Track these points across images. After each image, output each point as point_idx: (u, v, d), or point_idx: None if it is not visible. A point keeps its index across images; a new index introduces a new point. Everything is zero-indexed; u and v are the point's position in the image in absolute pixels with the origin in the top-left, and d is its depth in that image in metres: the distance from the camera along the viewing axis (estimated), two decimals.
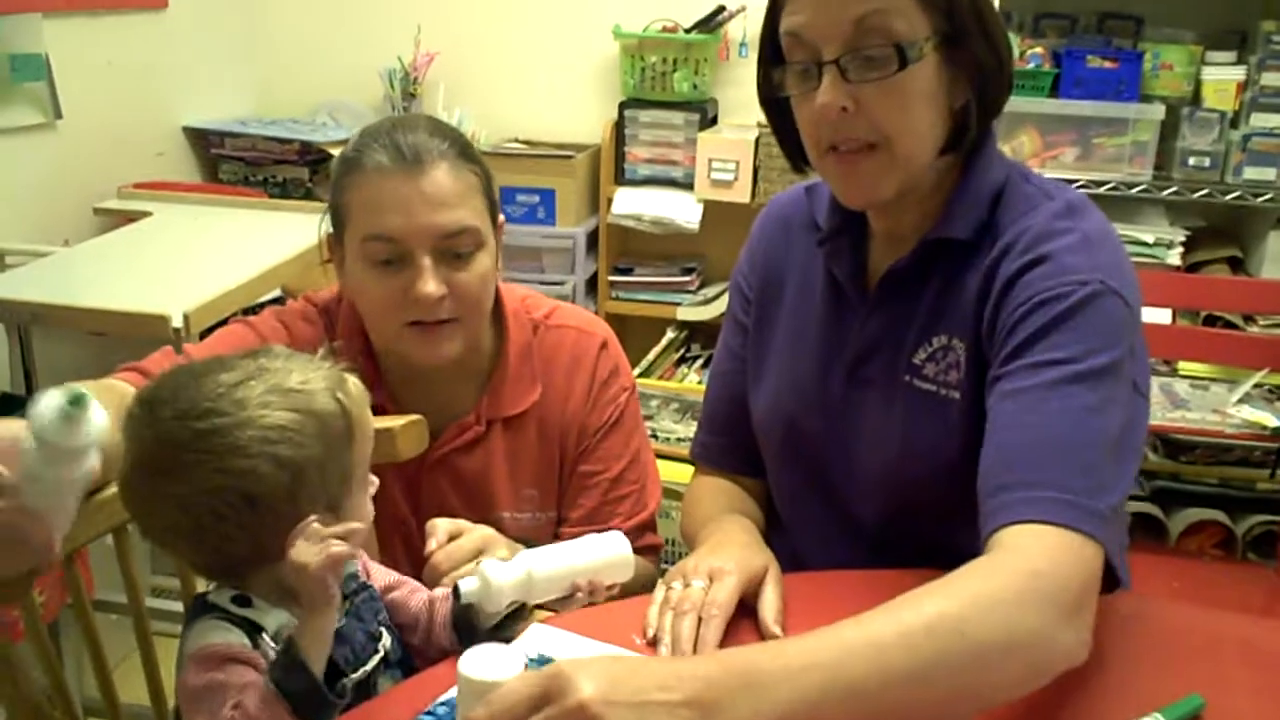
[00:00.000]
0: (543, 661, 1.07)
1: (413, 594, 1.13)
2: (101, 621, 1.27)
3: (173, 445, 0.96)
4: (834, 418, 1.29)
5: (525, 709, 0.79)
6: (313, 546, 0.94)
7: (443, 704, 1.02)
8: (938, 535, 1.21)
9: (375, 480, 1.08)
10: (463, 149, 1.32)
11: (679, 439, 2.88)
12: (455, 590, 1.07)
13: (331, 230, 1.36)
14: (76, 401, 0.90)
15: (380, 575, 1.15)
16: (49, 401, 0.91)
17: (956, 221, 1.20)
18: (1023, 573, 0.95)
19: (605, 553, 1.15)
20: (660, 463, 2.80)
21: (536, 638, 1.10)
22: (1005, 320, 1.13)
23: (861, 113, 1.13)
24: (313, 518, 0.96)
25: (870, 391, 1.27)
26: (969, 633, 0.90)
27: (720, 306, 3.06)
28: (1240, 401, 2.34)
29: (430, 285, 1.27)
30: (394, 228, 1.26)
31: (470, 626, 1.09)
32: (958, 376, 1.20)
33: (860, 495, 1.29)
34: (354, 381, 1.05)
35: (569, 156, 3.11)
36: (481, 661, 0.86)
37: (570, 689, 0.79)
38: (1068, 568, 0.96)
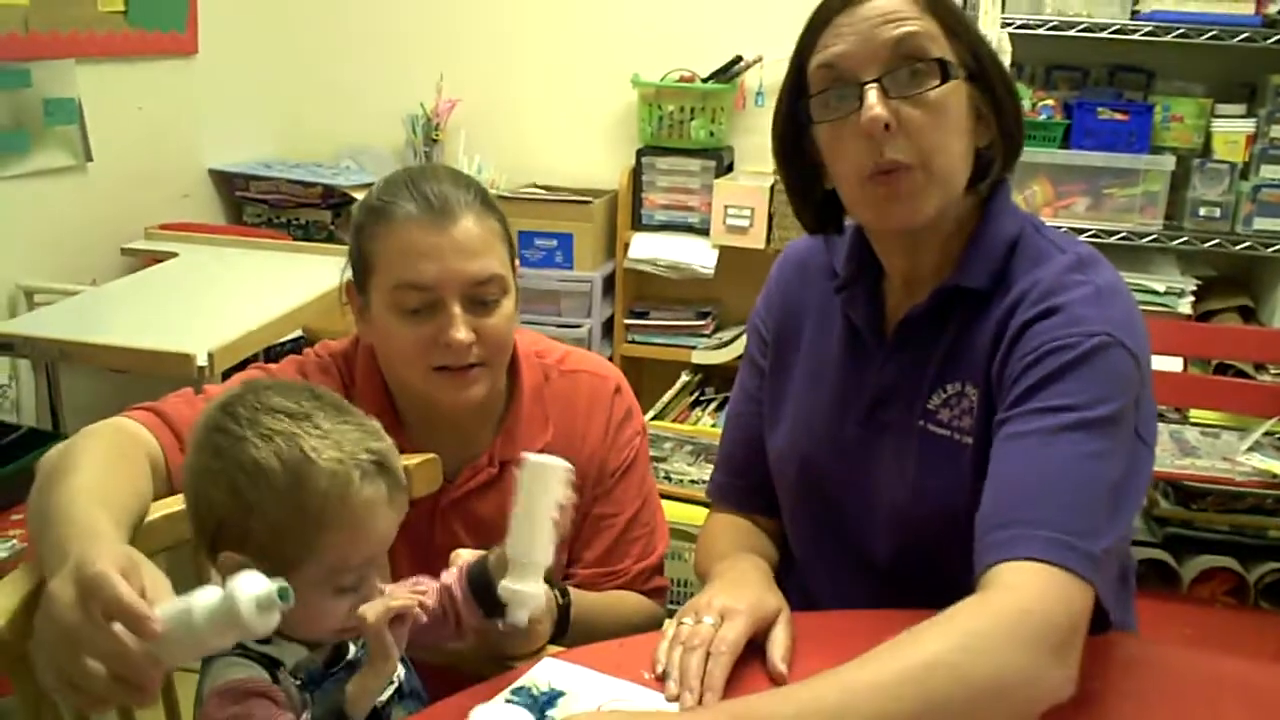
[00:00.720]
0: (553, 694, 1.10)
1: (430, 591, 1.16)
2: None
3: (200, 423, 1.07)
4: (849, 460, 1.32)
5: None
6: (376, 603, 1.00)
7: None
8: (948, 575, 1.22)
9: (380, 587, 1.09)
10: (484, 198, 1.36)
11: (692, 481, 2.90)
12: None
13: (352, 278, 1.38)
14: (284, 595, 0.89)
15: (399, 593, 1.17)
16: (255, 586, 0.88)
17: (971, 270, 1.23)
18: (1013, 611, 0.98)
19: (552, 477, 1.13)
20: (673, 505, 2.85)
21: (547, 671, 1.12)
22: (1014, 367, 1.15)
23: (902, 131, 1.15)
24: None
25: (886, 435, 1.29)
26: (965, 675, 0.93)
27: (735, 350, 3.09)
28: (1250, 450, 2.35)
29: (462, 332, 1.29)
30: (427, 276, 1.29)
31: (488, 590, 1.13)
32: (970, 422, 1.22)
33: (873, 535, 1.31)
34: (377, 485, 1.05)
35: (587, 202, 3.16)
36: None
37: None
38: (1057, 605, 0.99)
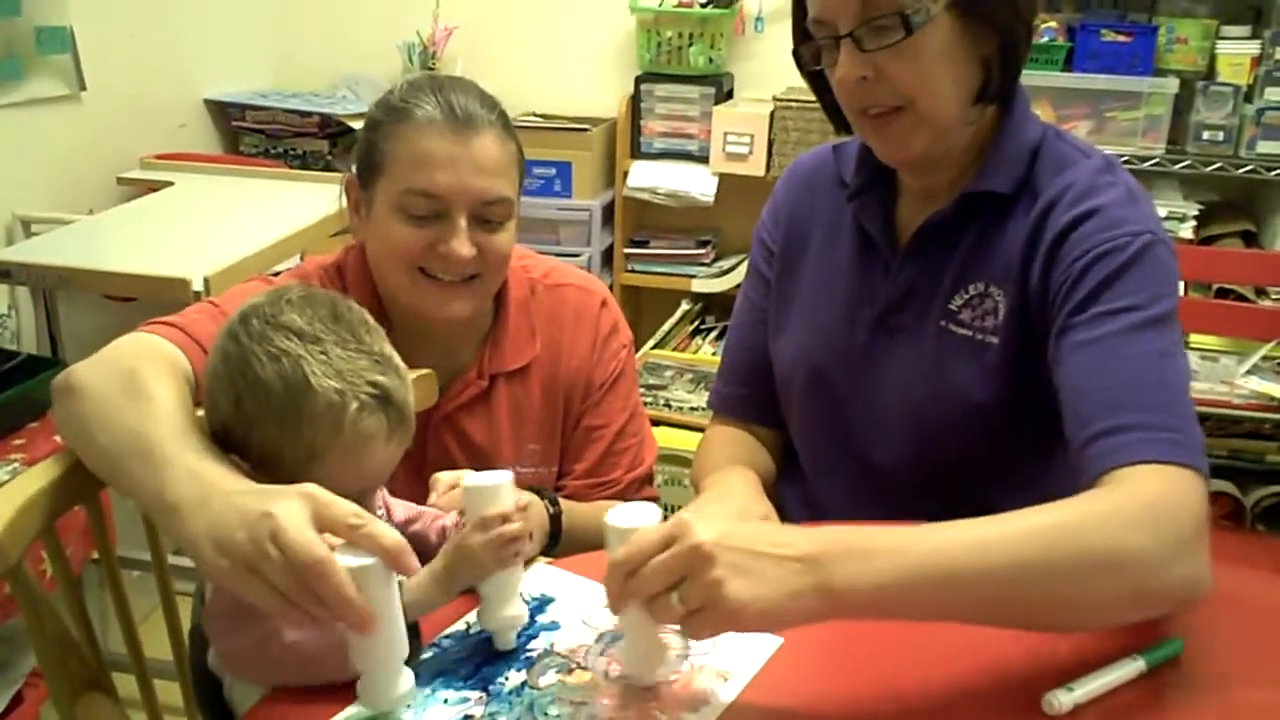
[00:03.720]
0: (544, 600, 1.12)
1: (433, 523, 1.18)
2: (124, 579, 1.30)
3: (223, 327, 1.09)
4: (859, 366, 1.33)
5: (654, 549, 0.88)
6: (484, 533, 1.02)
7: (446, 637, 1.07)
8: (958, 481, 1.25)
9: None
10: (506, 122, 1.35)
11: (692, 408, 2.92)
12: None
13: (356, 173, 1.36)
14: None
15: (400, 510, 1.19)
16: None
17: (996, 175, 1.24)
18: (1139, 501, 0.98)
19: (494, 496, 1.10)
20: (673, 432, 2.88)
21: (538, 577, 1.14)
22: (1064, 274, 1.17)
23: (881, 79, 1.18)
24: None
25: (899, 338, 1.31)
26: (1077, 542, 0.93)
27: (735, 279, 3.09)
28: (1249, 373, 2.35)
29: (465, 247, 1.29)
30: (440, 186, 1.28)
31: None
32: (995, 323, 1.24)
33: (882, 442, 1.33)
34: (378, 418, 1.05)
35: (585, 130, 3.14)
36: (625, 514, 0.96)
37: (689, 534, 0.88)
38: (1185, 499, 0.99)
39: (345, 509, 0.90)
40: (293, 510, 0.88)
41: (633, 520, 0.94)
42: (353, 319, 1.09)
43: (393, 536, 0.89)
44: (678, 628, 0.90)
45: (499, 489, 1.05)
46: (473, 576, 1.05)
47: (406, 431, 1.09)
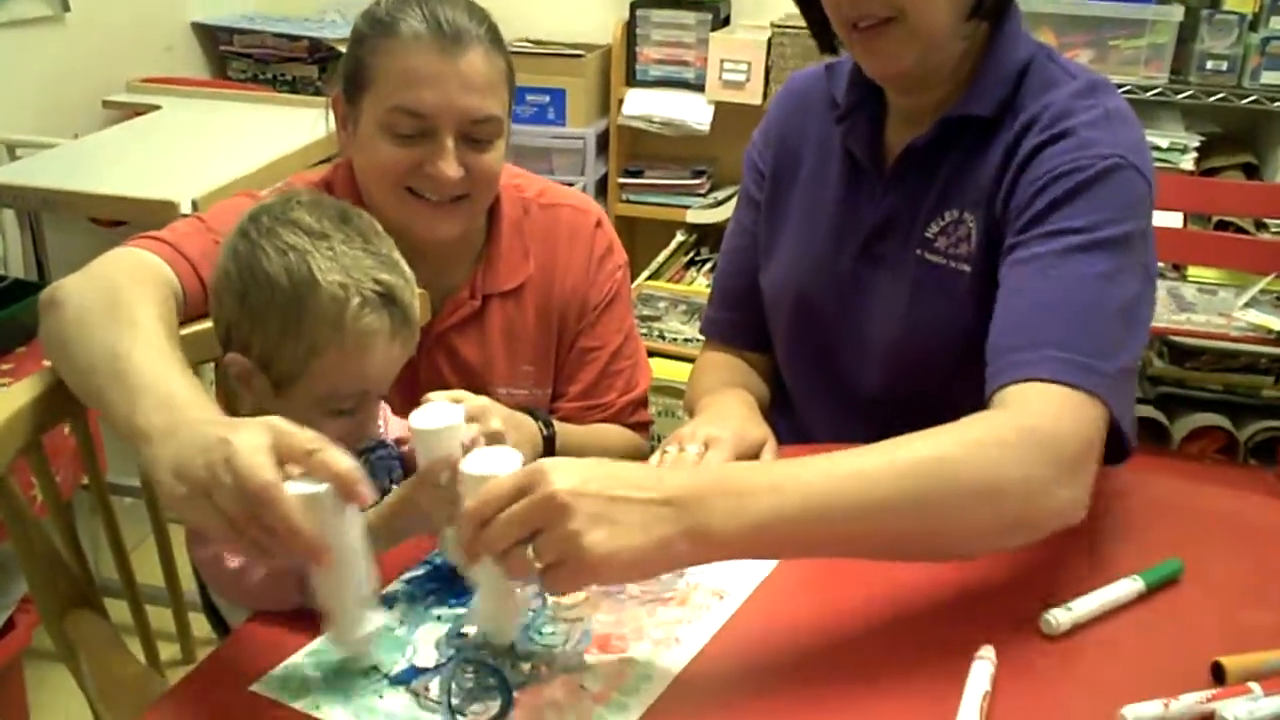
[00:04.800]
0: None
1: None
2: (115, 505, 1.29)
3: (234, 226, 1.07)
4: (844, 294, 1.31)
5: (506, 499, 0.82)
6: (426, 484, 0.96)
7: (439, 555, 1.06)
8: (942, 408, 1.22)
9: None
10: (495, 36, 1.31)
11: (686, 339, 2.89)
12: None
13: (342, 88, 1.33)
14: None
15: (396, 427, 1.18)
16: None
17: (979, 97, 1.21)
18: (1020, 426, 0.96)
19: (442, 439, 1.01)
20: (667, 363, 2.86)
21: None
22: (1023, 193, 1.14)
23: None
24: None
25: (882, 267, 1.28)
26: (956, 473, 0.91)
27: (730, 210, 3.04)
28: (1247, 305, 2.34)
29: (452, 167, 1.27)
30: (427, 104, 1.25)
31: None
32: (968, 250, 1.21)
33: (867, 369, 1.31)
34: (380, 315, 1.03)
35: (579, 56, 3.08)
36: (481, 460, 0.89)
37: (544, 482, 0.82)
38: (1069, 424, 0.97)
39: (305, 436, 0.86)
40: (250, 437, 0.83)
41: (489, 467, 0.87)
42: (362, 223, 1.08)
43: (345, 463, 0.85)
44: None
45: (443, 433, 0.94)
46: (417, 528, 1.01)
47: (410, 335, 1.07)
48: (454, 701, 0.87)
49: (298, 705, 0.88)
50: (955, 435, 0.94)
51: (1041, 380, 0.99)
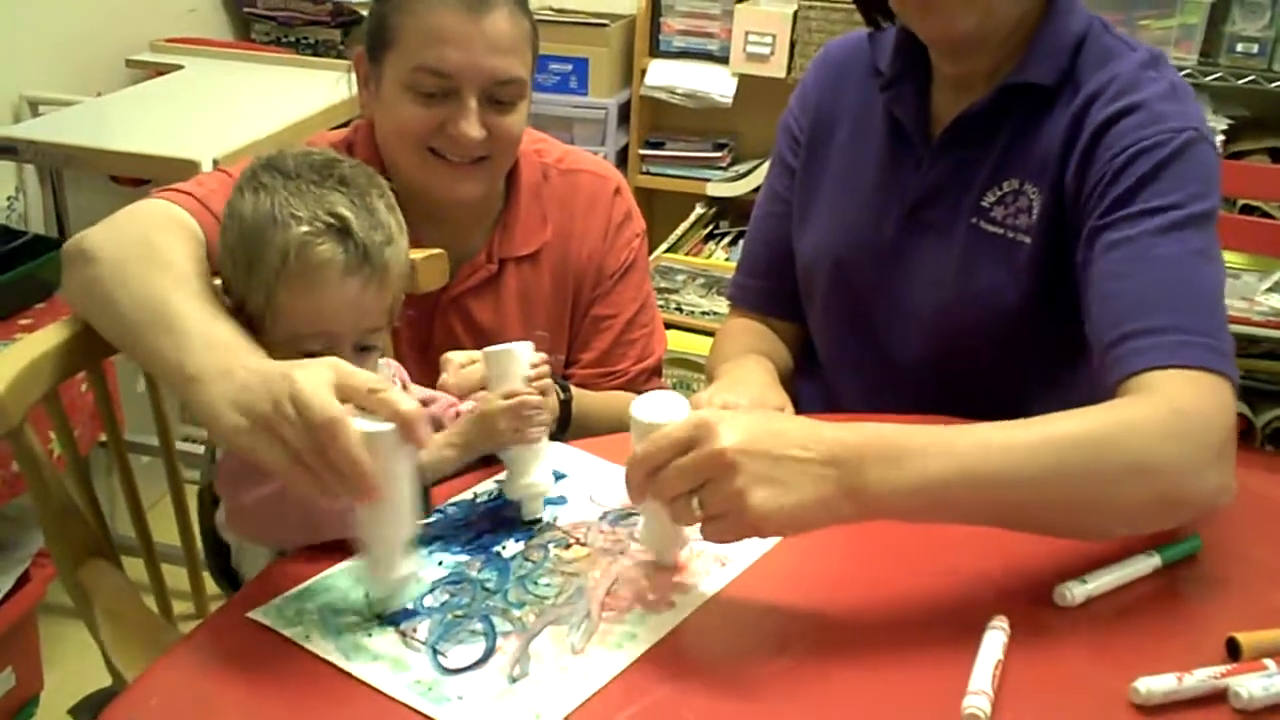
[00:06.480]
0: (556, 476, 1.11)
1: (447, 409, 1.15)
2: (132, 464, 1.29)
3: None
4: (884, 261, 1.31)
5: (673, 452, 0.85)
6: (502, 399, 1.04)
7: (453, 504, 1.08)
8: (975, 384, 1.23)
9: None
10: None
11: (704, 313, 2.89)
12: None
13: (365, 47, 1.33)
14: None
15: (416, 391, 1.17)
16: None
17: (1039, 66, 1.20)
18: (1167, 409, 0.96)
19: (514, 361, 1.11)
20: (685, 335, 2.85)
21: (553, 454, 1.13)
22: (1101, 170, 1.13)
23: None
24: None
25: (928, 235, 1.28)
26: (1103, 450, 0.91)
27: (752, 183, 3.04)
28: (1270, 290, 2.32)
29: (475, 128, 1.27)
30: (451, 64, 1.25)
31: None
32: (1028, 221, 1.21)
33: (903, 340, 1.31)
34: (333, 249, 1.01)
35: (604, 25, 3.07)
36: (650, 406, 0.93)
37: (712, 437, 0.84)
38: (1213, 409, 0.97)
39: (366, 377, 0.89)
40: (315, 373, 0.86)
41: (658, 414, 0.91)
42: (348, 172, 1.05)
43: (410, 403, 0.87)
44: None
45: (514, 351, 1.06)
46: (490, 443, 1.05)
47: (376, 276, 1.03)
48: (438, 645, 0.88)
49: (289, 633, 0.89)
50: (1107, 415, 0.95)
51: (1175, 367, 0.99)
